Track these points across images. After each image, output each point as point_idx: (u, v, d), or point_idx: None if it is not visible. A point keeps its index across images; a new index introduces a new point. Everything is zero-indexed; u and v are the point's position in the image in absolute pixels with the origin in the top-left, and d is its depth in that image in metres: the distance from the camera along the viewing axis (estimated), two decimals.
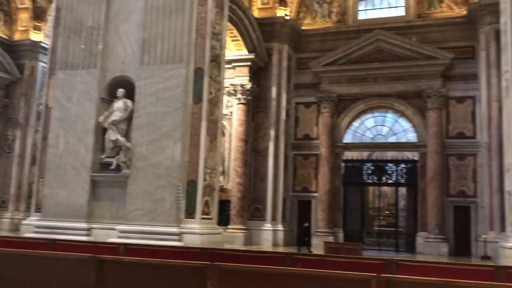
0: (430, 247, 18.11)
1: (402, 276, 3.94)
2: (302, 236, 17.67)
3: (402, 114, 20.13)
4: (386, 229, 22.69)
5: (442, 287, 3.33)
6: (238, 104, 19.95)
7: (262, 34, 19.79)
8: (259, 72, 20.38)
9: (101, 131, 12.94)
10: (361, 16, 21.27)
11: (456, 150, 19.02)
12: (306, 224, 18.75)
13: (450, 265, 6.45)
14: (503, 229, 14.82)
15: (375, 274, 3.54)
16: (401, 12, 20.66)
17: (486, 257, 15.93)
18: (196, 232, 12.24)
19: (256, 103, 20.30)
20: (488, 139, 17.57)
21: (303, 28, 21.36)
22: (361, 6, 21.32)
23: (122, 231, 11.84)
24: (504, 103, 11.75)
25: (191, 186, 12.64)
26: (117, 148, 12.76)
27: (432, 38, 19.54)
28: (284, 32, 20.37)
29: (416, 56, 19.49)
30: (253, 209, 19.76)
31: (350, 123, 20.84)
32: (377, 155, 22.70)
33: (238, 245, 17.46)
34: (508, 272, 5.14)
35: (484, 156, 17.87)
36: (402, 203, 22.49)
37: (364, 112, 20.71)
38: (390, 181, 20.64)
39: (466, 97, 19.13)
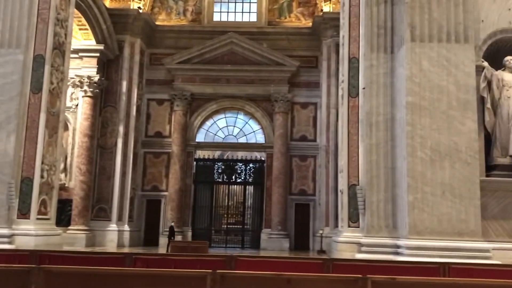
0: (273, 243, 19.09)
1: (236, 271, 4.02)
2: (170, 236, 17.35)
3: (252, 116, 20.90)
4: (234, 226, 23.33)
5: (273, 280, 3.48)
6: (84, 96, 18.73)
7: (114, 25, 18.90)
8: (109, 64, 19.44)
9: None
10: (216, 17, 21.59)
11: (299, 152, 20.36)
12: (172, 224, 18.37)
13: (285, 259, 6.81)
14: (337, 225, 16.21)
15: (210, 271, 3.55)
16: (253, 18, 21.44)
17: (322, 251, 17.29)
18: (31, 234, 11.20)
19: (104, 97, 19.32)
20: (327, 142, 19.14)
21: (157, 23, 20.94)
22: (216, 8, 21.62)
23: None
24: (340, 110, 12.86)
25: (26, 183, 11.55)
26: None
27: (281, 45, 20.64)
28: (137, 26, 19.73)
29: (266, 62, 20.39)
30: (97, 208, 18.74)
31: (203, 123, 21.00)
32: (229, 154, 23.24)
33: (80, 247, 16.40)
34: (334, 264, 5.62)
35: (323, 158, 19.43)
36: (250, 201, 23.32)
37: (216, 112, 21.04)
38: (239, 180, 21.28)
39: (309, 103, 20.59)
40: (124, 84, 19.39)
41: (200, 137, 20.97)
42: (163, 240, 18.47)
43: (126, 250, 17.09)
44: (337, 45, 17.35)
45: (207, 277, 3.46)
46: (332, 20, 18.02)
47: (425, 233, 9.47)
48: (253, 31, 20.79)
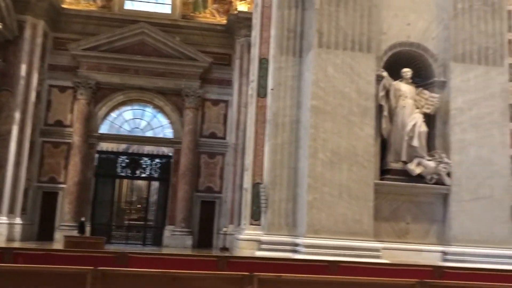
0: (176, 240, 18.82)
1: (118, 268, 3.85)
2: (80, 232, 16.36)
3: (161, 109, 20.43)
4: (136, 222, 22.74)
5: (159, 278, 3.36)
6: None
7: (14, 4, 17.49)
8: (7, 45, 17.97)
9: None
10: (128, 6, 20.83)
11: (208, 149, 20.26)
12: (82, 219, 17.34)
13: (179, 256, 6.70)
14: (241, 222, 16.37)
15: (91, 268, 3.35)
16: (167, 9, 20.97)
17: (224, 249, 17.34)
18: None
19: (0, 80, 17.85)
20: (236, 140, 19.25)
21: (64, 6, 19.73)
22: None
23: None
24: (249, 110, 12.97)
25: None
26: None
27: (195, 40, 20.39)
28: (41, 7, 18.42)
29: (178, 55, 20.04)
30: None
31: (108, 114, 20.15)
32: (134, 148, 22.54)
33: None
34: (229, 261, 5.62)
35: (231, 156, 19.52)
36: (154, 197, 22.84)
37: (123, 103, 20.29)
38: (143, 175, 20.72)
39: (220, 100, 20.56)
40: (23, 67, 18.05)
41: (104, 129, 20.11)
42: (59, 235, 17.46)
43: (16, 244, 15.93)
44: (250, 45, 17.51)
45: (87, 275, 3.26)
46: (246, 20, 18.13)
47: (322, 232, 9.83)
48: (166, 23, 20.34)
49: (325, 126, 10.16)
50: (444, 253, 10.23)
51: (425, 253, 10.19)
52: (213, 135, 20.45)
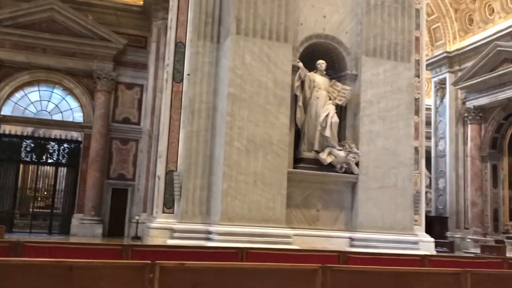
0: (85, 229, 18.00)
1: (5, 258, 3.53)
2: None
3: (70, 92, 19.32)
4: (43, 210, 21.45)
5: (53, 268, 3.10)
6: None
7: None
8: None
9: None
10: None
11: (121, 135, 19.51)
12: None
13: (81, 245, 6.36)
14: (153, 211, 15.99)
15: None
16: None
17: (136, 237, 16.85)
18: None
19: None
20: (151, 127, 18.70)
21: None
22: None
23: None
24: (164, 95, 12.62)
25: None
26: None
27: (109, 20, 19.45)
28: None
29: (90, 35, 19.02)
30: None
31: (11, 94, 18.69)
32: (41, 132, 21.16)
33: None
34: (134, 250, 5.41)
35: (146, 142, 18.96)
36: (62, 184, 21.64)
37: (29, 84, 18.92)
38: (51, 161, 19.55)
39: (135, 84, 19.84)
40: None
41: (6, 110, 18.63)
42: None
43: None
44: (166, 28, 17.06)
45: None
46: (164, 2, 17.53)
47: (235, 219, 9.84)
48: (78, 0, 19.20)
49: (241, 114, 10.14)
50: (351, 239, 10.68)
51: (334, 239, 10.57)
52: (126, 120, 19.72)
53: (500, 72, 17.77)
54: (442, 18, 21.38)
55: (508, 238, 17.40)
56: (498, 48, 17.91)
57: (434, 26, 21.84)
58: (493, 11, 19.48)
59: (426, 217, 12.54)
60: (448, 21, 21.28)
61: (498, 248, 15.06)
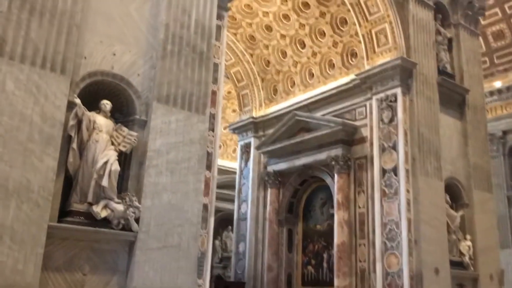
0: None
1: None
2: None
3: None
4: None
5: None
6: None
7: None
8: None
9: None
10: None
11: None
12: None
13: None
14: None
15: None
16: None
17: None
18: None
19: None
20: None
21: None
22: None
23: None
24: None
25: None
26: None
27: None
28: None
29: None
30: None
31: None
32: None
33: None
34: None
35: None
36: None
37: None
38: None
39: None
40: None
41: None
42: None
43: None
44: None
45: None
46: None
47: None
48: None
49: None
50: None
51: None
52: None
53: (297, 140, 18.60)
54: (251, 86, 22.19)
55: None
56: (296, 118, 18.86)
57: (243, 92, 22.53)
58: (294, 83, 20.80)
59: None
60: (256, 89, 22.15)
61: None
